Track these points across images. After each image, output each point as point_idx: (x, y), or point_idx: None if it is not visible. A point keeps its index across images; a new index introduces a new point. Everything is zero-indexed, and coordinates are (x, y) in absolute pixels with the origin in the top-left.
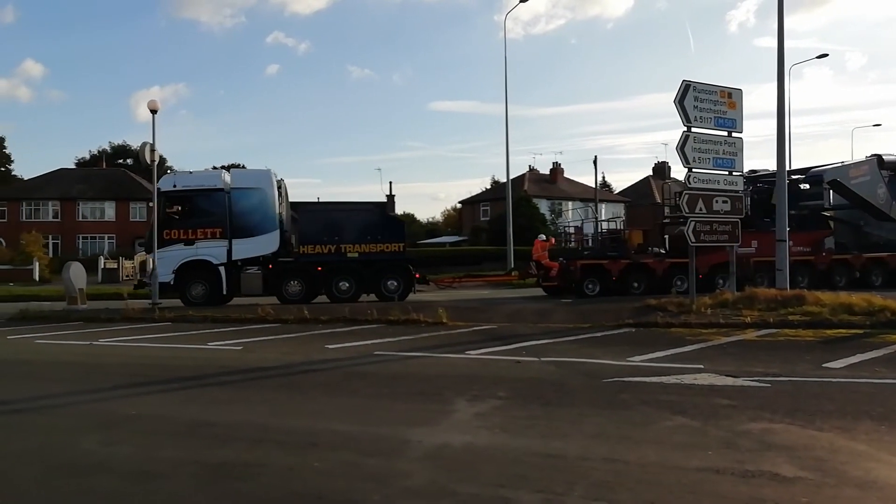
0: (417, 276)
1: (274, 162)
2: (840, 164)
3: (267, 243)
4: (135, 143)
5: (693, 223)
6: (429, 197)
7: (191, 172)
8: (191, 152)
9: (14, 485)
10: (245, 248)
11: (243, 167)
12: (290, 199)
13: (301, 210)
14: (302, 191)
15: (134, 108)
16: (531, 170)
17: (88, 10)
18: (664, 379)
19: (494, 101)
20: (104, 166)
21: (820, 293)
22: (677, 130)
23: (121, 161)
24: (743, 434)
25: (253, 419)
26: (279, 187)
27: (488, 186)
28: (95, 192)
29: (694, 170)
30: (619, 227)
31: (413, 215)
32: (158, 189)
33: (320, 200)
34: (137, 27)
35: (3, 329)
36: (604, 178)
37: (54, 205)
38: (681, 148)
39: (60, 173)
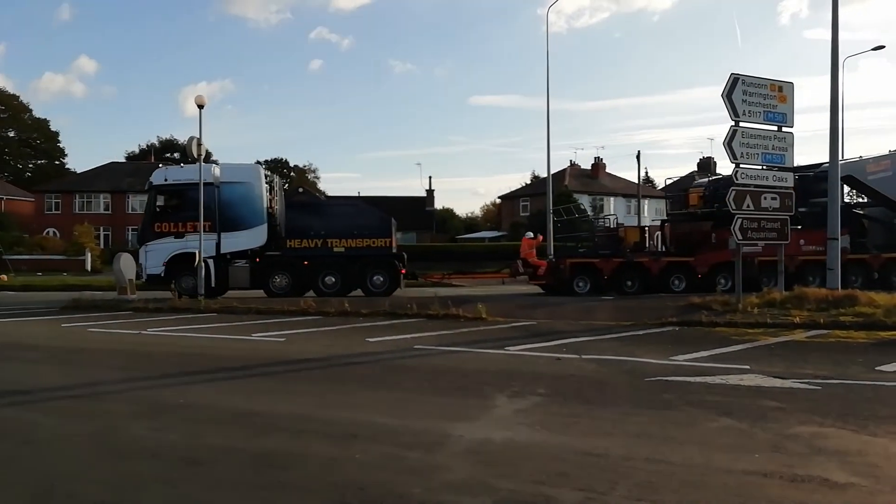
0: (403, 271)
1: (315, 156)
2: (857, 159)
3: (254, 237)
4: (182, 138)
5: (740, 220)
6: (469, 192)
7: (182, 166)
8: (235, 146)
9: (72, 468)
10: (233, 242)
11: (285, 161)
12: (331, 195)
13: (288, 204)
14: (342, 185)
15: (182, 102)
16: (572, 165)
17: (141, 6)
18: (709, 379)
19: (535, 96)
20: (153, 160)
21: (874, 294)
22: (724, 125)
23: (168, 155)
24: (792, 437)
25: (295, 410)
26: (271, 183)
27: (528, 181)
28: (144, 185)
29: (742, 165)
30: (614, 226)
31: (452, 210)
32: (150, 182)
33: (360, 195)
34: (187, 23)
35: (58, 317)
36: (647, 173)
37: (105, 197)
38: (728, 143)
39: (111, 167)
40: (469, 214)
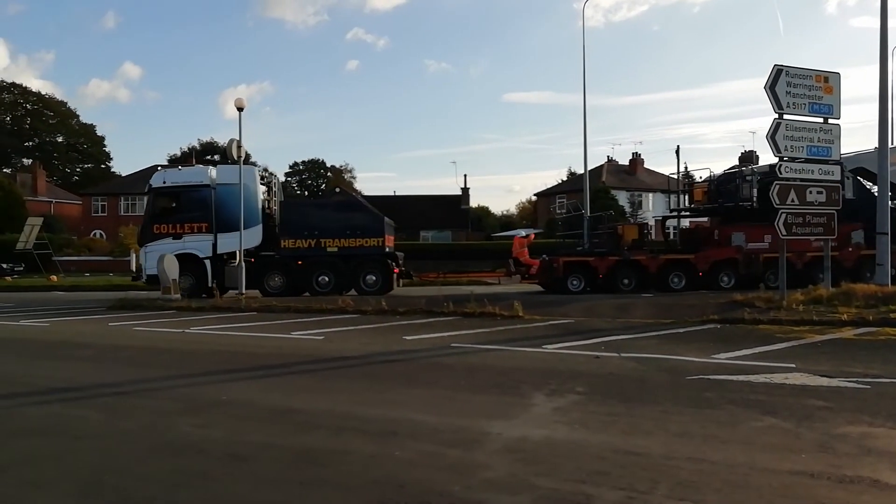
0: (397, 270)
1: (351, 156)
2: (870, 151)
3: (250, 237)
4: (221, 140)
5: (784, 215)
6: (504, 189)
7: (179, 169)
8: (273, 148)
9: (120, 462)
10: (229, 242)
11: (322, 162)
12: (367, 194)
13: (283, 205)
14: (377, 185)
15: (222, 105)
16: (609, 161)
17: (182, 12)
18: (752, 378)
19: (570, 91)
20: (193, 162)
21: None
22: (766, 118)
23: (208, 157)
24: (840, 437)
25: (335, 407)
26: (270, 184)
27: (564, 178)
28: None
29: (786, 159)
30: (610, 223)
31: (487, 208)
32: (150, 185)
33: (396, 194)
34: (227, 28)
35: (105, 316)
36: (686, 168)
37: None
38: (771, 136)
39: (154, 170)
40: (504, 212)
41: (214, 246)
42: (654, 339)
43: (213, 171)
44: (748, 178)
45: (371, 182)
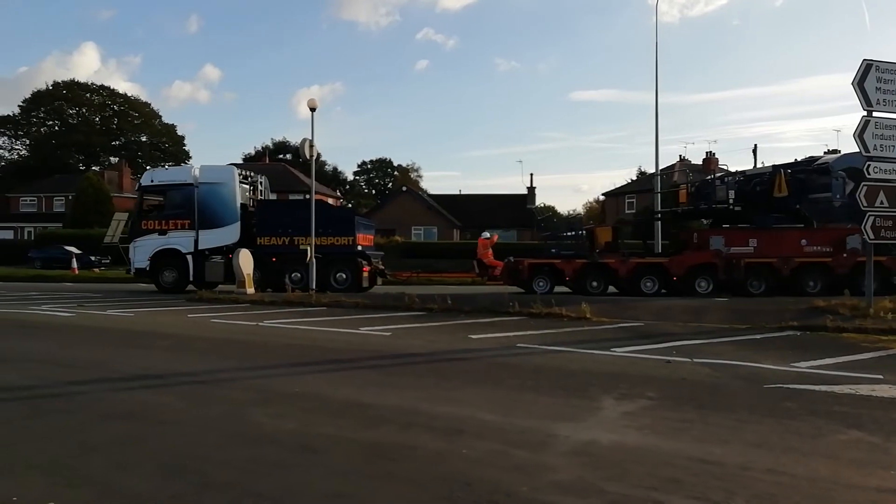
0: (367, 269)
1: (418, 155)
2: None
3: (228, 234)
4: (293, 139)
5: (872, 218)
6: (571, 189)
7: (166, 168)
8: (343, 147)
9: (199, 448)
10: (209, 239)
11: (389, 161)
12: (432, 193)
13: (260, 204)
14: (442, 184)
15: (294, 106)
16: (682, 160)
17: (260, 15)
18: (835, 388)
19: (640, 89)
20: (267, 161)
21: None
22: (850, 115)
23: (280, 156)
24: None
25: (402, 403)
26: (254, 183)
27: (634, 178)
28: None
29: (875, 159)
30: (580, 225)
31: (553, 207)
32: (139, 183)
33: (461, 193)
34: (302, 30)
35: (184, 308)
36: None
37: None
38: (859, 134)
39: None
40: (571, 212)
41: (196, 242)
42: (729, 345)
43: (196, 171)
44: (725, 179)
45: (436, 181)
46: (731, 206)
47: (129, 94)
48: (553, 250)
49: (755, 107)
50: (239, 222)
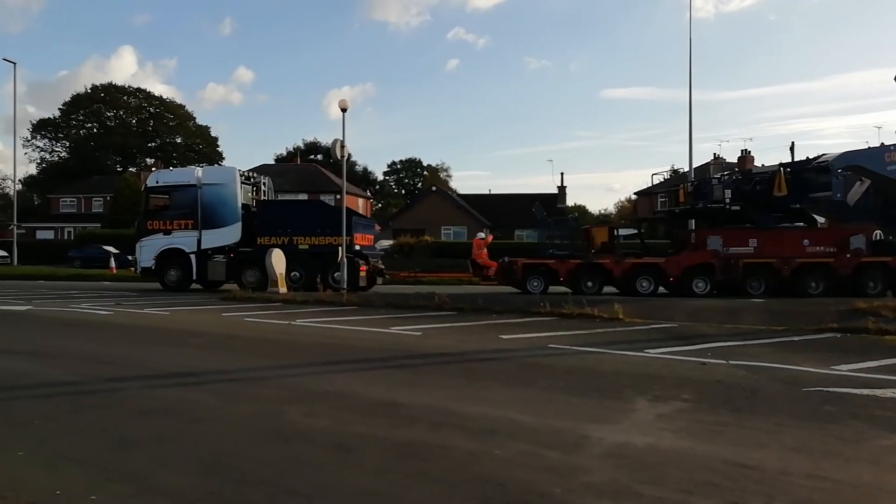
0: (364, 269)
1: (447, 155)
2: (868, 148)
3: (230, 234)
4: (324, 140)
5: None
6: (602, 188)
7: (171, 170)
8: (373, 147)
9: (235, 445)
10: (212, 238)
11: (419, 161)
12: (462, 192)
13: (261, 204)
14: (471, 183)
15: (326, 107)
16: (716, 158)
17: (292, 17)
18: (878, 392)
19: (673, 87)
20: (298, 162)
21: None
22: (893, 111)
23: (312, 157)
24: None
25: (434, 402)
26: (257, 184)
27: (667, 177)
28: (291, 185)
29: None
30: (574, 225)
31: (584, 207)
32: (145, 184)
33: (491, 193)
34: (333, 32)
35: (218, 307)
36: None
37: None
38: None
39: (262, 169)
40: (602, 211)
41: (199, 241)
42: (765, 347)
43: (199, 172)
44: (723, 179)
45: (466, 180)
46: (728, 206)
47: (164, 97)
48: (550, 251)
49: (793, 103)
50: (240, 222)
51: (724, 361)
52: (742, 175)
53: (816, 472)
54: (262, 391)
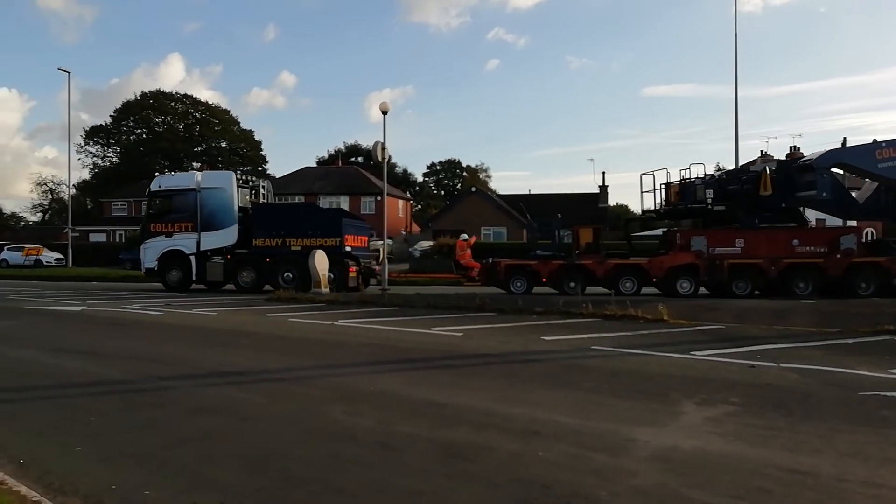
0: (353, 270)
1: (487, 156)
2: (852, 146)
3: (227, 236)
4: (365, 143)
5: None
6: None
7: (173, 174)
8: (413, 149)
9: (281, 443)
10: (210, 240)
11: (458, 162)
12: (501, 193)
13: (256, 207)
14: (511, 184)
15: (366, 109)
16: (763, 155)
17: (333, 21)
18: None
19: (716, 83)
20: (339, 164)
21: None
22: None
23: (353, 159)
24: None
25: (476, 403)
26: (256, 187)
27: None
28: (333, 187)
29: None
30: (557, 227)
31: (626, 206)
32: (149, 189)
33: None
34: (374, 35)
35: (263, 308)
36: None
37: (299, 199)
38: None
39: (304, 171)
40: (646, 211)
41: (198, 243)
42: (817, 350)
43: (198, 176)
44: (706, 178)
45: (505, 181)
46: (710, 206)
47: (209, 102)
48: (537, 252)
49: (843, 98)
50: (236, 225)
51: (774, 364)
52: (727, 175)
53: (874, 479)
54: (307, 390)
